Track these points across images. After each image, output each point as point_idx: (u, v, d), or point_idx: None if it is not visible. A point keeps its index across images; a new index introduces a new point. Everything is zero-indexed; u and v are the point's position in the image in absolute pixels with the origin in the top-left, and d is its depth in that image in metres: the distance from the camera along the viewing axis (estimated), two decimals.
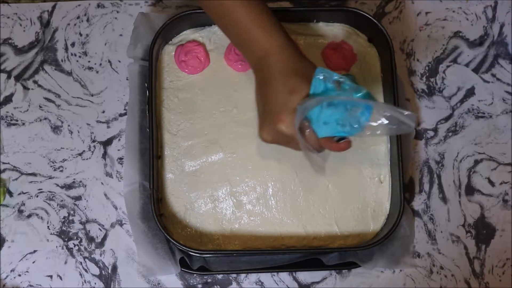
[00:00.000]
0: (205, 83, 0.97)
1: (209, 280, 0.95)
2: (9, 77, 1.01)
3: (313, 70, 0.76)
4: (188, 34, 0.99)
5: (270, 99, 0.79)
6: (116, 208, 0.97)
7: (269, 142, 0.81)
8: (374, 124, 0.74)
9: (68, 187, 0.97)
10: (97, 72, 1.01)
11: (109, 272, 0.95)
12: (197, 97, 0.97)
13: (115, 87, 1.01)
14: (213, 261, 0.94)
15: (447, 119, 1.01)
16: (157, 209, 0.90)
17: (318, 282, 0.95)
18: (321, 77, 0.75)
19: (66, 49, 1.02)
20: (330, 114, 0.75)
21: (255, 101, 0.84)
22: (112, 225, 0.96)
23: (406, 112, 0.73)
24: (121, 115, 1.00)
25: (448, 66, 1.03)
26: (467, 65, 1.03)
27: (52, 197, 0.97)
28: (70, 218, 0.96)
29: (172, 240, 0.88)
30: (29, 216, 0.96)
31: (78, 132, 0.99)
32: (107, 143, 0.99)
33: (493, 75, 1.02)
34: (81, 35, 1.03)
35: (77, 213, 0.97)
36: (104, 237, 0.96)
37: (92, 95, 1.00)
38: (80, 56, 1.02)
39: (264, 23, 0.81)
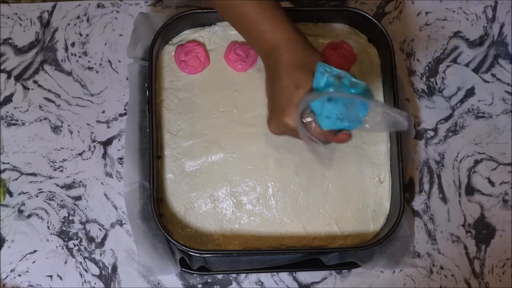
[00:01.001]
0: (205, 83, 0.97)
1: (209, 280, 0.95)
2: (9, 77, 1.01)
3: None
4: (188, 34, 0.99)
5: (278, 93, 0.82)
6: (116, 208, 0.97)
7: (277, 134, 0.85)
8: (370, 120, 0.76)
9: (68, 187, 0.97)
10: (97, 72, 1.01)
11: (109, 272, 0.95)
12: (197, 97, 0.97)
13: (115, 87, 1.01)
14: (213, 261, 0.94)
15: (447, 119, 1.01)
16: (157, 209, 0.90)
17: (318, 282, 0.95)
18: (322, 72, 0.78)
19: (66, 49, 1.02)
20: (331, 109, 0.77)
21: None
22: (112, 225, 0.96)
23: (400, 111, 0.75)
24: (121, 115, 1.00)
25: (448, 66, 1.03)
26: (467, 65, 1.03)
27: (52, 197, 0.97)
28: (70, 218, 0.96)
29: (172, 240, 0.88)
30: (29, 216, 0.96)
31: (78, 132, 0.99)
32: (107, 143, 0.99)
33: (493, 75, 1.02)
34: (81, 35, 1.02)
35: (77, 213, 0.96)
36: (104, 237, 0.96)
37: (92, 95, 1.00)
38: (80, 56, 1.02)
39: (272, 16, 0.83)
